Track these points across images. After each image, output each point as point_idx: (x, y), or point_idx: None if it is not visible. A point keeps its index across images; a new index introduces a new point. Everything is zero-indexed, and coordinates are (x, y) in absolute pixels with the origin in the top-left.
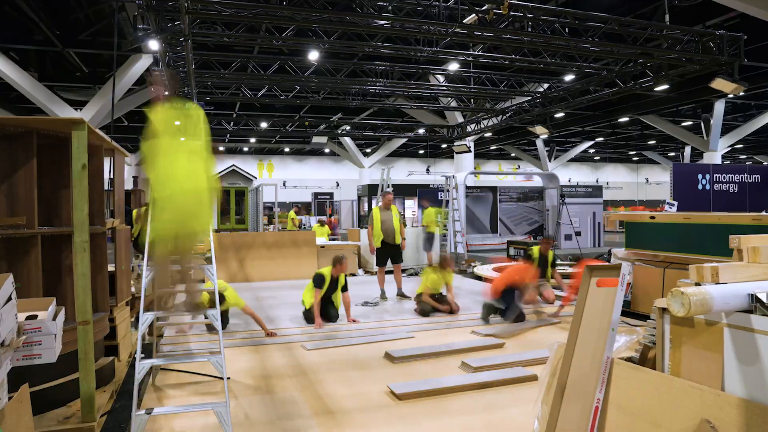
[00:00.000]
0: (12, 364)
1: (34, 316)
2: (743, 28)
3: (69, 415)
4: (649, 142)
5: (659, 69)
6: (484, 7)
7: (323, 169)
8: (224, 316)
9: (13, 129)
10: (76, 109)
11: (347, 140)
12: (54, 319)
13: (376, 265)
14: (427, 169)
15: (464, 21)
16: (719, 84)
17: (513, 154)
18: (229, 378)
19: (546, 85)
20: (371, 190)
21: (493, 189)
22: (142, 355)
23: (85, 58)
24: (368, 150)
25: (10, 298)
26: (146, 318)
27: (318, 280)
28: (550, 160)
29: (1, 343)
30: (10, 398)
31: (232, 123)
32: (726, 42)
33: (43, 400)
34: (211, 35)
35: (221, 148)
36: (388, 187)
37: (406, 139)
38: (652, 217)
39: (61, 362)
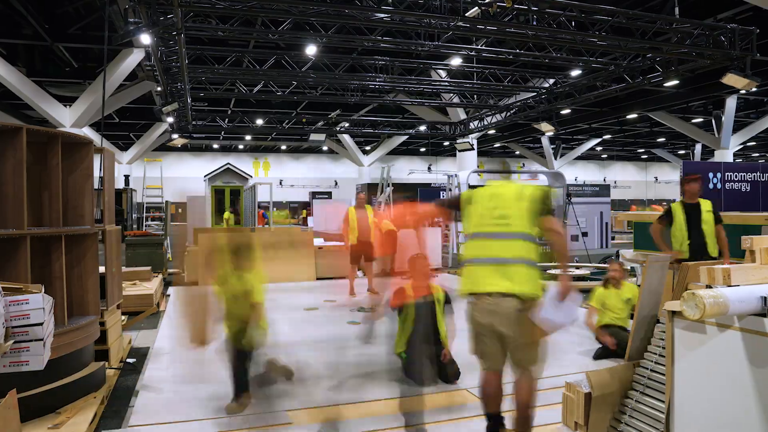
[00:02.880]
0: None
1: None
2: (755, 21)
3: (58, 422)
4: (659, 140)
5: (668, 64)
6: (486, 0)
7: (321, 167)
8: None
9: (1, 125)
10: (65, 105)
11: (346, 138)
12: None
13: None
14: (429, 168)
15: (467, 14)
16: (731, 79)
17: (517, 152)
18: None
19: (551, 81)
20: (371, 189)
21: None
22: None
23: (75, 52)
24: (367, 148)
25: None
26: None
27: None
28: (555, 158)
29: None
30: None
31: (227, 120)
32: (738, 36)
33: (32, 406)
34: (204, 29)
35: (216, 146)
36: (389, 186)
37: (406, 137)
38: None
39: (50, 367)
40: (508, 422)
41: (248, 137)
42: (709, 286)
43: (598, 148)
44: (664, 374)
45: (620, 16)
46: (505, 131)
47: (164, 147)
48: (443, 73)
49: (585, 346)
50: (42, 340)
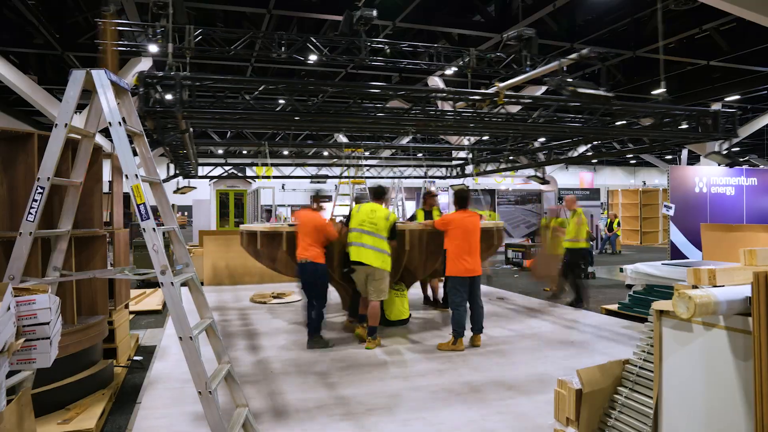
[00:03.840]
0: (8, 368)
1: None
2: (739, 31)
3: (68, 417)
4: (642, 146)
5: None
6: (477, 97)
7: (322, 171)
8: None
9: (14, 131)
10: (75, 112)
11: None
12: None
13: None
14: (425, 173)
15: (456, 106)
16: (712, 157)
17: (510, 157)
18: None
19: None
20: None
21: (492, 192)
22: None
23: (85, 61)
24: (367, 153)
25: (9, 308)
26: None
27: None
28: (547, 163)
29: (1, 350)
30: (9, 401)
31: (227, 134)
32: (721, 117)
33: (42, 402)
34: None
35: (220, 151)
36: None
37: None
38: None
39: (60, 364)
40: None
41: (251, 144)
42: (695, 286)
43: (588, 153)
44: (652, 371)
45: (609, 105)
46: (498, 137)
47: None
48: (440, 82)
49: (579, 346)
50: (49, 338)
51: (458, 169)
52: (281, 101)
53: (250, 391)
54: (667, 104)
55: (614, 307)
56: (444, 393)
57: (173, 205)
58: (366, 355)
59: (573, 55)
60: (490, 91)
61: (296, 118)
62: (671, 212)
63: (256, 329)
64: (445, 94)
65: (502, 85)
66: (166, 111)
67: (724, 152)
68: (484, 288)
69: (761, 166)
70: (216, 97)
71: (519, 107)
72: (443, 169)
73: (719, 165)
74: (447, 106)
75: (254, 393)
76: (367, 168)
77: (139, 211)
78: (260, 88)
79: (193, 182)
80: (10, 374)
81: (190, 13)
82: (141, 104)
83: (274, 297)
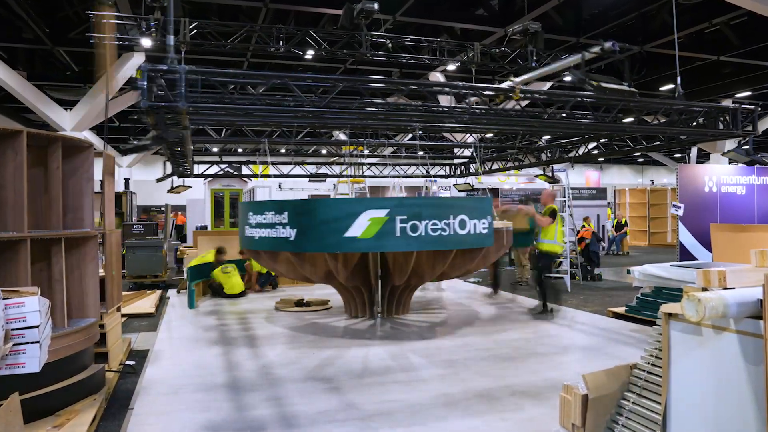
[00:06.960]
0: None
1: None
2: (750, 25)
3: (58, 424)
4: (655, 143)
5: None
6: (491, 93)
7: (320, 170)
8: None
9: (2, 129)
10: (66, 109)
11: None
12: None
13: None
14: (427, 172)
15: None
16: (731, 155)
17: (516, 155)
18: None
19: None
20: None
21: (495, 191)
22: None
23: (76, 56)
24: (366, 152)
25: None
26: None
27: None
28: (553, 162)
29: None
30: None
31: (223, 132)
32: (740, 114)
33: (31, 408)
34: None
35: (215, 149)
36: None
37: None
38: None
39: (50, 369)
40: None
41: (247, 145)
42: (705, 288)
43: (595, 152)
44: (660, 376)
45: (625, 97)
46: (504, 135)
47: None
48: (441, 77)
49: (585, 350)
50: (38, 342)
51: (462, 167)
52: (278, 97)
53: (253, 398)
54: (683, 101)
55: (621, 309)
56: (448, 398)
57: (167, 204)
58: (370, 360)
59: (595, 49)
60: (504, 86)
61: (304, 113)
62: (680, 212)
63: (255, 334)
64: (458, 90)
65: (517, 80)
66: (170, 106)
67: (743, 149)
68: (483, 290)
69: None
70: (220, 92)
71: (527, 102)
72: (446, 168)
73: (730, 163)
74: (446, 102)
75: (258, 400)
76: (368, 167)
77: None
78: (267, 83)
79: (188, 181)
80: (2, 379)
81: (184, 6)
82: (143, 99)
83: (298, 305)
